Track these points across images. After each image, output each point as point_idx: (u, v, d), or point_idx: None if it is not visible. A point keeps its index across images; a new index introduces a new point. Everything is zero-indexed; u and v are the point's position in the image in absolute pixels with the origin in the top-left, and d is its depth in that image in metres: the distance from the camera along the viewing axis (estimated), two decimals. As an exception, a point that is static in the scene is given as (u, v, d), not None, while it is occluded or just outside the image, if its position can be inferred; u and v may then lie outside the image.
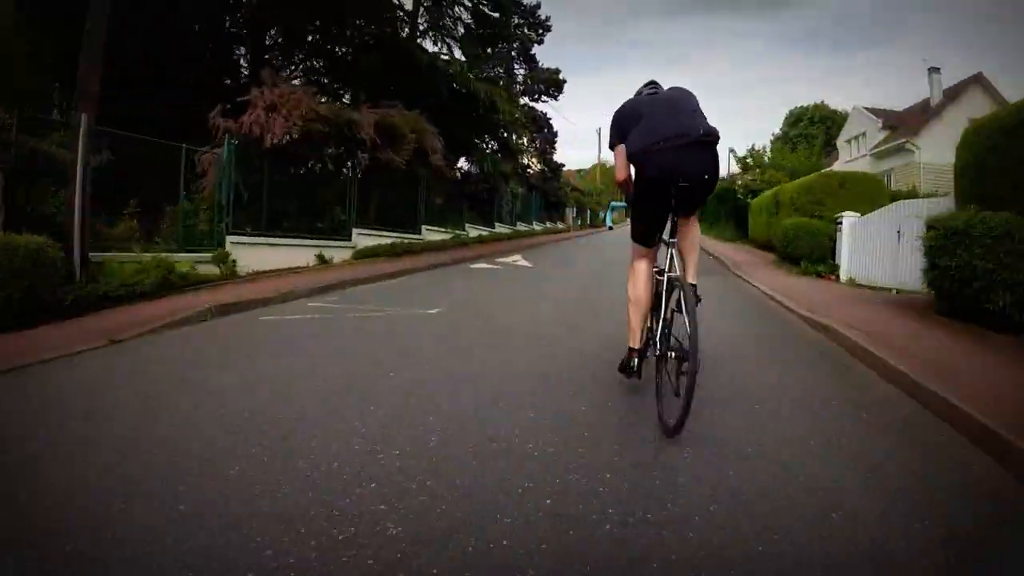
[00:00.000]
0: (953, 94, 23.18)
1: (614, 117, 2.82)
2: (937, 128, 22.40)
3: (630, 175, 2.76)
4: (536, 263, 10.90)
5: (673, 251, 2.67)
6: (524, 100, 29.51)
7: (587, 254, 13.83)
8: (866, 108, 26.03)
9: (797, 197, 10.68)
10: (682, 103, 2.63)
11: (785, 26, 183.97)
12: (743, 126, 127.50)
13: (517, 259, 11.57)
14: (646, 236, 2.83)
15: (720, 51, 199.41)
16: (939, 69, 23.59)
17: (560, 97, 30.23)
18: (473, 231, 16.07)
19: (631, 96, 2.91)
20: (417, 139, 11.39)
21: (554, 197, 30.13)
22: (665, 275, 2.67)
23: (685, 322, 2.33)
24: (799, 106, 35.36)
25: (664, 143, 2.44)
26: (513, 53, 28.13)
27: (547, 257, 12.77)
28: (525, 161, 26.13)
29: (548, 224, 29.45)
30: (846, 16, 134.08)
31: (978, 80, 23.02)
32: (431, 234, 13.32)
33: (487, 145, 20.09)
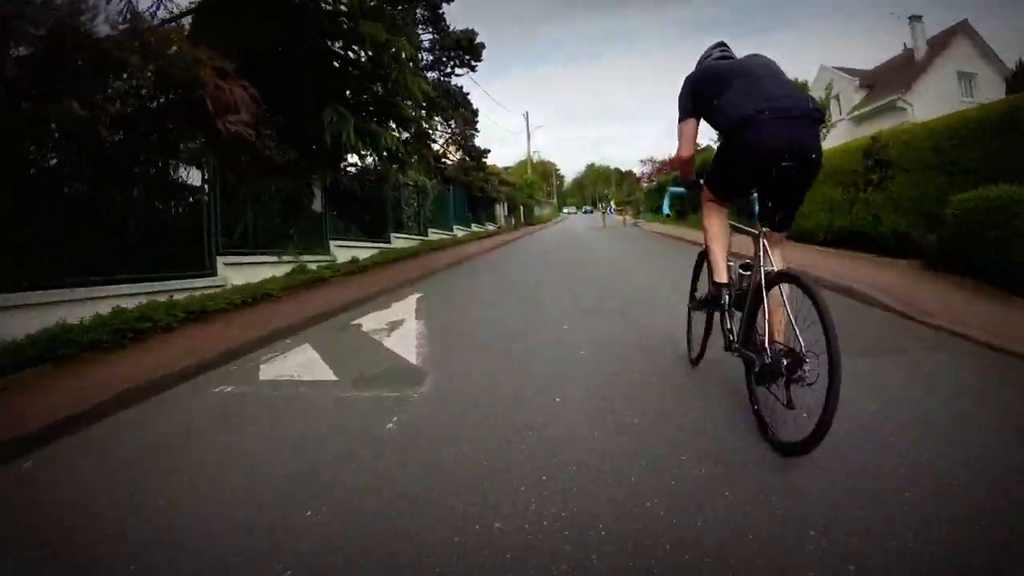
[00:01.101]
0: (939, 44, 19.72)
1: (687, 84, 2.43)
2: (930, 81, 18.78)
3: (694, 156, 2.54)
4: (436, 325, 5.05)
5: (765, 242, 2.26)
6: (434, 74, 23.60)
7: (550, 278, 8.00)
8: (836, 67, 22.29)
9: (961, 150, 5.50)
10: (779, 71, 2.29)
11: (688, 13, 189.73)
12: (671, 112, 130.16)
13: (399, 316, 5.67)
14: (725, 195, 2.48)
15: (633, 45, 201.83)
16: (921, 17, 20.04)
17: (478, 67, 24.67)
18: (345, 253, 9.72)
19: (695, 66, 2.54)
20: (167, 73, 5.20)
21: (479, 192, 24.13)
22: (761, 269, 2.19)
23: (788, 319, 1.98)
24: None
25: (769, 112, 2.02)
26: (417, 13, 22.10)
27: (470, 297, 6.92)
28: (436, 147, 20.04)
29: (475, 227, 23.44)
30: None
31: (963, 29, 19.69)
32: (242, 272, 7.03)
33: (383, 125, 13.79)
